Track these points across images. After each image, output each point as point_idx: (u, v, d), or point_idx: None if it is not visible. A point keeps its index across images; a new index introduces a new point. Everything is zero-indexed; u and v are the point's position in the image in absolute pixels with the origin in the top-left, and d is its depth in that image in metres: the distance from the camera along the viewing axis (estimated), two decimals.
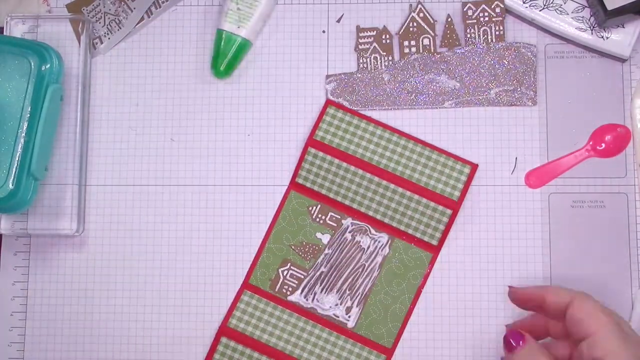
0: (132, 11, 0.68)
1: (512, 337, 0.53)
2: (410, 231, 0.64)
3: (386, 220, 0.64)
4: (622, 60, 0.65)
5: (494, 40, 0.65)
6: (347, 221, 0.65)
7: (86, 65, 0.67)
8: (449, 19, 0.66)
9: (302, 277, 0.65)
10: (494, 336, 0.63)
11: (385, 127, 0.65)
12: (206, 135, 0.67)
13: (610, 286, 0.63)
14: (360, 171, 0.64)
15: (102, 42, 0.68)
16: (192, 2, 0.69)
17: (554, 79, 0.66)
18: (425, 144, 0.65)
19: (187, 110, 0.68)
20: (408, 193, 0.64)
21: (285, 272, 0.65)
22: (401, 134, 0.65)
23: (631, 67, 0.65)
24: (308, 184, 0.65)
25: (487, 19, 0.65)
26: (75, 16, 0.68)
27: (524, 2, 0.65)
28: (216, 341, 0.64)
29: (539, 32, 0.66)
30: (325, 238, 0.65)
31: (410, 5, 0.67)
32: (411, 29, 0.66)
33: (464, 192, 0.63)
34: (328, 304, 0.64)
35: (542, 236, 0.64)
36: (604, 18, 0.62)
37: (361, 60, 0.66)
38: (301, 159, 0.65)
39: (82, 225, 0.66)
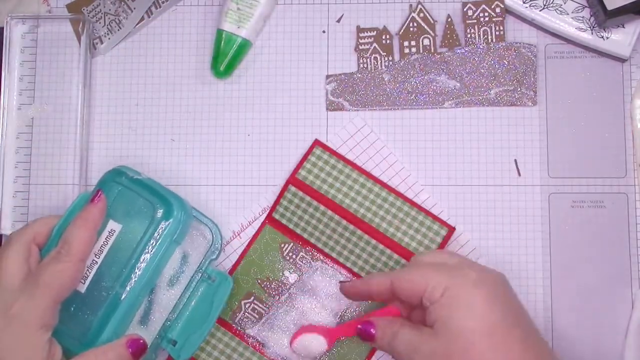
0: (132, 11, 0.68)
1: (365, 329, 0.57)
2: None
3: (355, 270, 0.64)
4: (622, 60, 0.65)
5: (494, 40, 0.65)
6: (317, 264, 0.65)
7: (86, 65, 0.67)
8: (449, 19, 0.66)
9: (264, 312, 0.64)
10: None
11: (369, 176, 0.64)
12: (206, 135, 0.67)
13: (610, 286, 0.63)
14: (336, 216, 0.63)
15: (102, 42, 0.68)
16: (192, 2, 0.69)
17: (554, 79, 0.66)
18: (406, 199, 0.64)
19: (187, 110, 0.68)
20: (381, 246, 0.63)
21: (247, 305, 0.64)
22: (383, 185, 0.64)
23: (631, 67, 0.65)
24: (284, 221, 0.65)
25: (487, 19, 0.65)
26: (76, 16, 0.68)
27: (524, 2, 0.65)
28: None
29: (539, 32, 0.66)
30: (292, 277, 0.65)
31: (411, 6, 0.67)
32: (411, 29, 0.66)
33: None
34: (285, 343, 0.64)
35: (542, 236, 0.64)
36: (604, 18, 0.62)
37: (361, 61, 0.66)
38: (280, 195, 0.65)
39: None
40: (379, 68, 0.66)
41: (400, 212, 0.63)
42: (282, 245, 0.65)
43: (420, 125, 0.66)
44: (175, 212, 0.58)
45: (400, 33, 0.66)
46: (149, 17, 0.68)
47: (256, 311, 0.64)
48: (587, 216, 0.64)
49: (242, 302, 0.65)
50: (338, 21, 0.68)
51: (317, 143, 0.65)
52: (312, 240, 0.64)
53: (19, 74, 0.68)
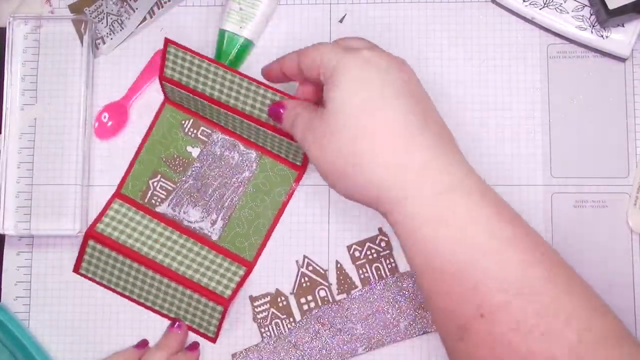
0: (134, 11, 0.68)
1: (275, 109, 0.59)
2: (275, 149, 0.65)
3: (252, 138, 0.66)
4: (622, 59, 0.65)
5: (388, 274, 0.64)
6: (217, 136, 0.66)
7: (89, 66, 0.67)
8: (339, 265, 0.65)
9: (171, 189, 0.66)
10: None
11: (221, 65, 0.62)
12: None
13: (612, 287, 0.63)
14: (216, 93, 0.63)
15: (104, 43, 0.68)
16: (194, 2, 0.69)
17: (555, 78, 0.66)
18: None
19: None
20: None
21: (155, 184, 0.66)
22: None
23: (633, 67, 0.65)
24: (184, 103, 0.66)
25: (375, 255, 0.64)
26: (78, 16, 0.68)
27: (524, 1, 0.65)
28: (84, 244, 0.65)
29: (541, 32, 0.66)
30: (195, 152, 0.67)
31: (297, 262, 0.65)
32: (304, 284, 0.65)
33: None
34: (194, 216, 0.66)
35: (545, 236, 0.64)
36: (606, 17, 0.62)
37: (263, 330, 0.64)
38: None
39: (84, 226, 0.66)
40: (283, 332, 0.64)
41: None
42: (183, 121, 0.67)
43: None
44: None
45: (295, 292, 0.65)
46: (151, 17, 0.68)
47: (164, 188, 0.66)
48: (590, 216, 0.64)
49: (150, 182, 0.66)
50: (340, 21, 0.68)
51: (168, 41, 0.62)
52: (208, 115, 0.66)
53: (22, 74, 0.68)
